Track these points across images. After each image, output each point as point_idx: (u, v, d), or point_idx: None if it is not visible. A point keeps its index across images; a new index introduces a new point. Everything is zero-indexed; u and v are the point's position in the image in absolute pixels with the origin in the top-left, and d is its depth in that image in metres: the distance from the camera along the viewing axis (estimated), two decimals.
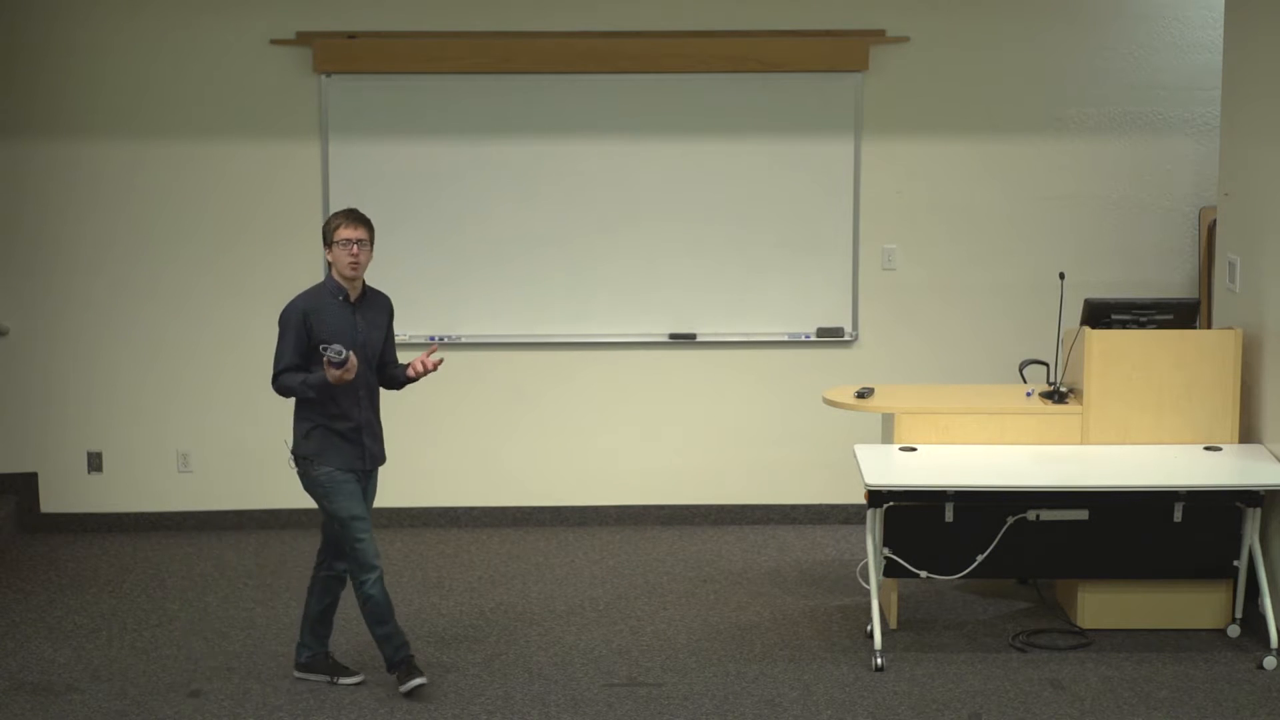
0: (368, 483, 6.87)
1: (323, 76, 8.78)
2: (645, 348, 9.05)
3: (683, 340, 9.03)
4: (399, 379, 6.92)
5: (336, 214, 6.76)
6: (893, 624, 7.52)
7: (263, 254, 8.91)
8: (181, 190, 8.86)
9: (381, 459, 6.90)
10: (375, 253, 8.80)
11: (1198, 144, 8.95)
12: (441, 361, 6.84)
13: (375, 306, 6.85)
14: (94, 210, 8.85)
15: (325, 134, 8.82)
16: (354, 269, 6.69)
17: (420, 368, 6.79)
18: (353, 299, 6.76)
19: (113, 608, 7.89)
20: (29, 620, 7.72)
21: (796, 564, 8.49)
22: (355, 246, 6.67)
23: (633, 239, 8.94)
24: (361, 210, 6.84)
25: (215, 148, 8.83)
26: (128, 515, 9.04)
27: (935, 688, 6.89)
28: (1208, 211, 8.80)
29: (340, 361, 6.54)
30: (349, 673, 6.98)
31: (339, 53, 8.72)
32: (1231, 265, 7.82)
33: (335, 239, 6.67)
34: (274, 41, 8.75)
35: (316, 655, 6.99)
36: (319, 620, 6.97)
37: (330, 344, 6.57)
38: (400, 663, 6.84)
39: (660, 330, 9.03)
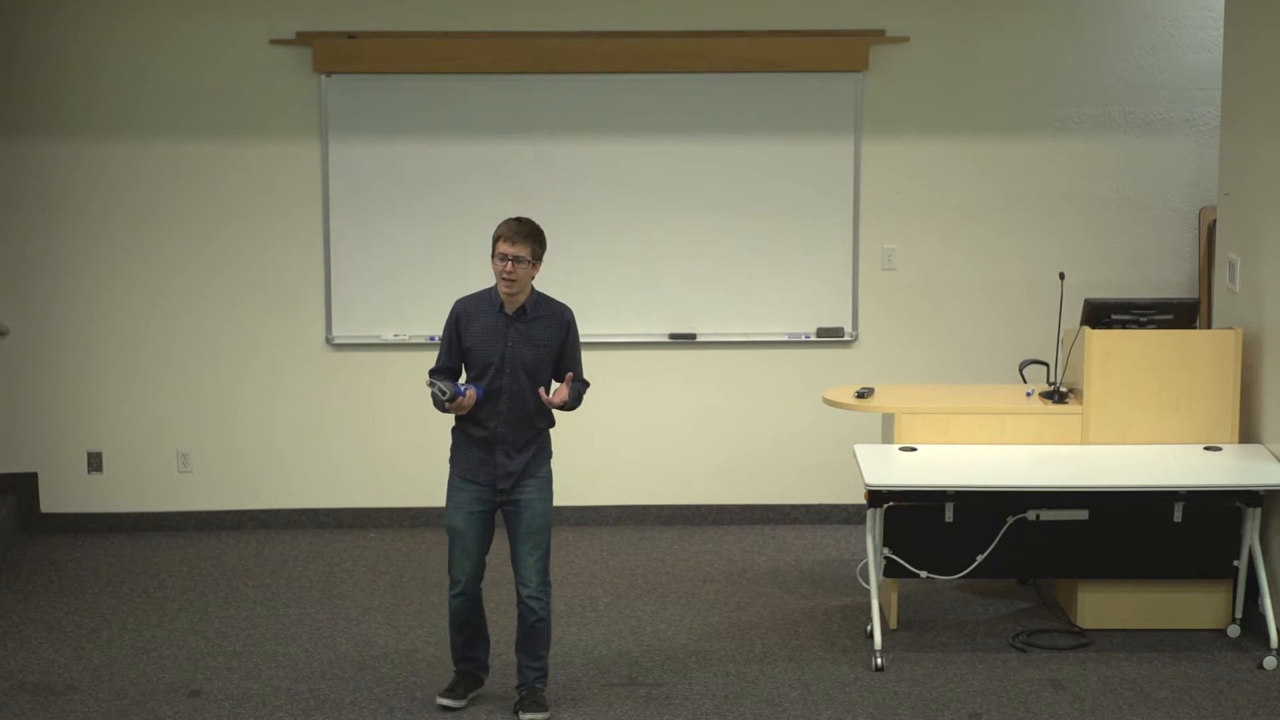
0: (505, 498, 6.52)
1: (323, 76, 8.77)
2: (645, 348, 9.05)
3: (683, 340, 9.03)
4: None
5: (504, 222, 6.46)
6: (893, 624, 7.52)
7: (263, 254, 8.90)
8: (181, 190, 8.86)
9: (518, 478, 6.49)
10: (378, 253, 8.88)
11: (1198, 144, 8.95)
12: (563, 401, 6.48)
13: (542, 323, 6.49)
14: (94, 210, 8.85)
15: (325, 134, 8.82)
16: (508, 285, 6.42)
17: (547, 399, 6.49)
18: (509, 311, 6.49)
19: (113, 608, 7.89)
20: (29, 620, 7.72)
21: (796, 564, 8.49)
22: (511, 264, 6.38)
23: (633, 239, 8.94)
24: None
25: (215, 147, 8.83)
26: (128, 515, 9.03)
27: (935, 688, 6.89)
28: (1208, 211, 8.79)
29: (442, 400, 6.40)
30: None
31: (339, 53, 8.72)
32: (1231, 265, 7.81)
33: (495, 250, 6.43)
34: (274, 41, 8.75)
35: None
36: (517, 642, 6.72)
37: (438, 381, 6.40)
38: (456, 674, 6.73)
39: (660, 330, 9.03)
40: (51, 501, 9.03)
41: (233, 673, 7.07)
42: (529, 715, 6.58)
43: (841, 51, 8.81)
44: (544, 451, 6.63)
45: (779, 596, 7.99)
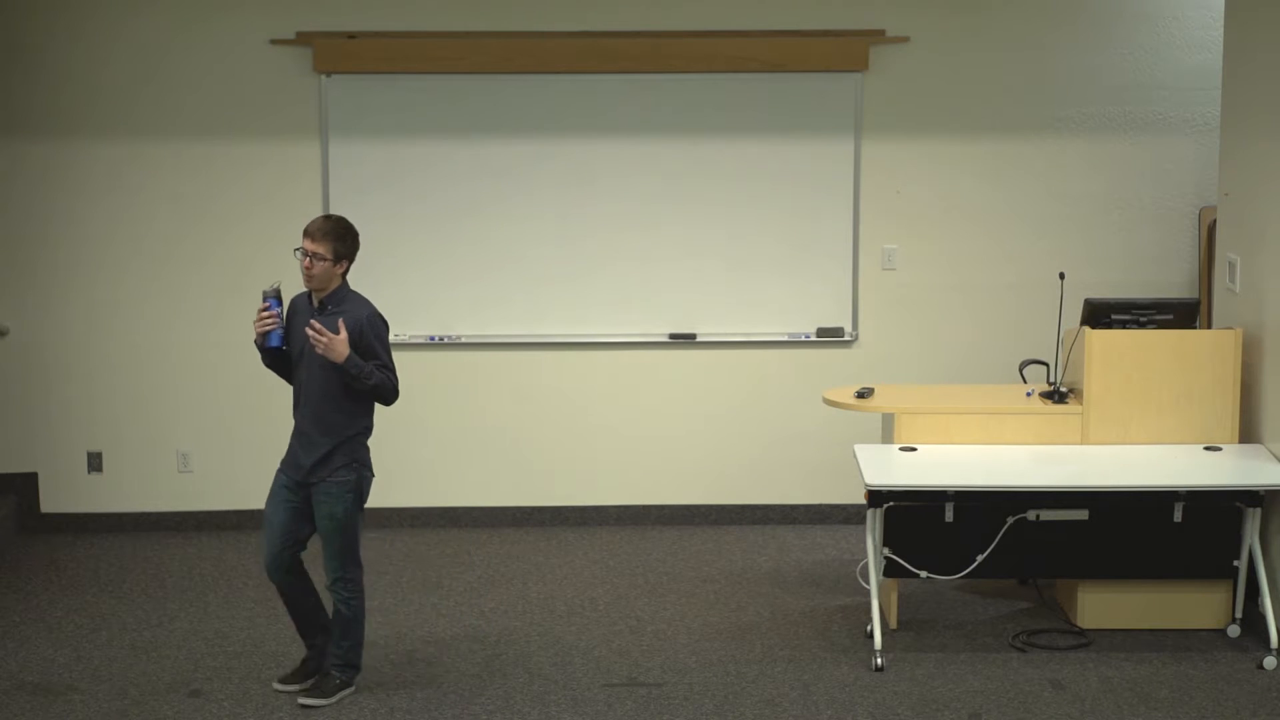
0: (309, 495, 6.65)
1: (323, 76, 8.78)
2: (645, 348, 9.05)
3: (683, 340, 9.03)
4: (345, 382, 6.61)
5: (315, 219, 6.61)
6: (893, 624, 7.52)
7: (263, 254, 8.90)
8: (181, 190, 8.86)
9: (306, 476, 6.62)
10: (376, 252, 8.87)
11: (1198, 144, 8.95)
12: (321, 337, 6.45)
13: (336, 319, 6.55)
14: (94, 210, 8.85)
15: (325, 134, 8.82)
16: (306, 281, 6.60)
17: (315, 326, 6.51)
18: (315, 304, 6.65)
19: (113, 608, 7.89)
20: (29, 620, 7.72)
21: (796, 564, 8.49)
22: (309, 260, 6.53)
23: (633, 239, 8.94)
24: (344, 213, 6.81)
25: (215, 148, 8.83)
26: (128, 515, 9.04)
27: (935, 688, 6.89)
28: (1208, 211, 8.80)
29: (265, 295, 6.58)
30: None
31: (339, 53, 8.72)
32: (1231, 265, 7.82)
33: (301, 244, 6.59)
34: (274, 41, 8.75)
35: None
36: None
37: (271, 291, 6.58)
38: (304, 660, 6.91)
39: (660, 330, 9.03)
40: (51, 501, 9.03)
41: (233, 673, 7.07)
42: (305, 699, 6.73)
43: (841, 51, 8.81)
44: (338, 456, 6.64)
45: (779, 596, 7.99)
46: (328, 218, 6.62)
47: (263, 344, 6.66)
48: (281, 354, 6.71)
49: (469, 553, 8.67)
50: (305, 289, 6.70)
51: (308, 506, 6.68)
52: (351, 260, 6.65)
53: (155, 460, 9.03)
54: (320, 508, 6.65)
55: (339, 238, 6.56)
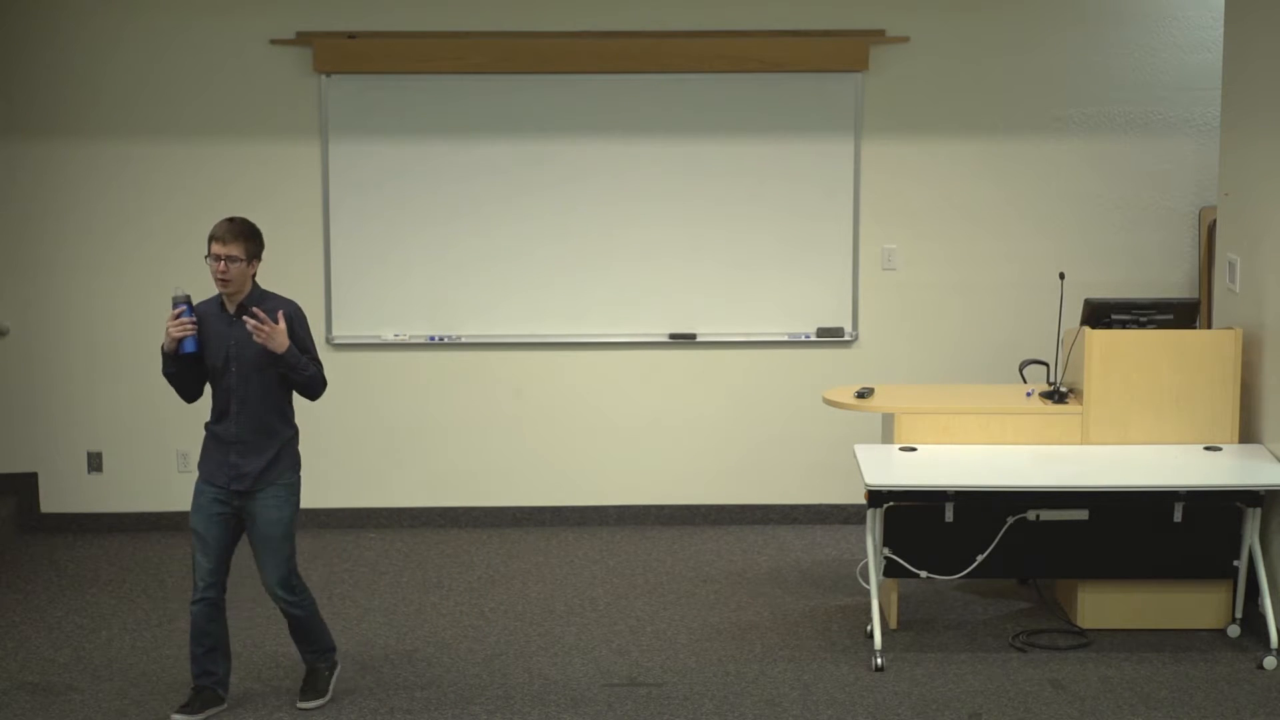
0: (244, 502, 6.50)
1: (323, 76, 8.78)
2: (645, 348, 9.05)
3: (683, 340, 9.03)
4: (284, 377, 6.50)
5: (217, 223, 6.44)
6: (893, 624, 7.52)
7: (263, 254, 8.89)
8: (181, 190, 8.86)
9: (253, 484, 6.48)
10: (376, 251, 8.88)
11: (1198, 144, 8.95)
12: (263, 327, 6.34)
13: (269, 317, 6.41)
14: (94, 210, 8.85)
15: (325, 134, 8.82)
16: (223, 285, 6.44)
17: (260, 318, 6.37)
18: (231, 311, 6.50)
19: (113, 608, 7.89)
20: (29, 620, 7.72)
21: (796, 564, 8.49)
22: (224, 263, 6.37)
23: (632, 239, 8.94)
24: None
25: (215, 148, 8.83)
26: (128, 515, 9.04)
27: (935, 688, 6.89)
28: (1208, 211, 8.80)
29: (176, 300, 6.44)
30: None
31: (339, 53, 8.72)
32: (1231, 265, 7.82)
33: (209, 251, 6.40)
34: (274, 41, 8.75)
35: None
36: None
37: (182, 296, 6.44)
38: (193, 689, 6.65)
39: (660, 330, 9.03)
40: (51, 501, 9.03)
41: (233, 673, 7.05)
42: (304, 703, 6.69)
43: (841, 51, 8.81)
44: (284, 458, 6.58)
45: (779, 596, 7.99)
46: (232, 220, 6.47)
47: (175, 350, 6.50)
48: (194, 360, 6.55)
49: (469, 553, 8.68)
50: (217, 294, 6.53)
51: (237, 517, 6.56)
52: (260, 259, 6.52)
53: (155, 460, 9.03)
54: (266, 513, 6.53)
55: (249, 237, 6.45)
